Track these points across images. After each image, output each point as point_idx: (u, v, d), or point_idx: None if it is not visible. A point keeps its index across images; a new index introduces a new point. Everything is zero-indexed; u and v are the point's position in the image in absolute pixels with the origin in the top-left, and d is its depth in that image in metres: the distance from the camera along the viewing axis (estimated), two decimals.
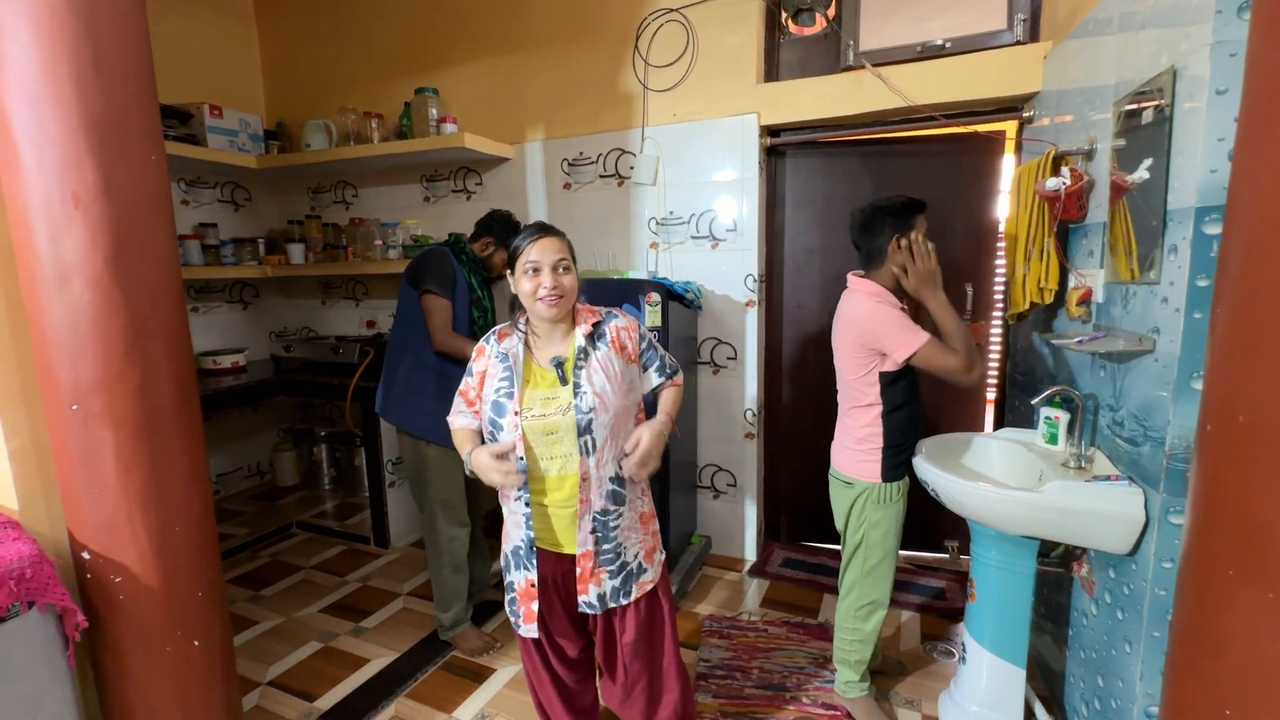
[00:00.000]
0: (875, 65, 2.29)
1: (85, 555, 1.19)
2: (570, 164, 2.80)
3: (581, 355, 1.26)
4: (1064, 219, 1.69)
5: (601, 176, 2.75)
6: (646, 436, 1.27)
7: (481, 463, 1.23)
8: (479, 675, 1.99)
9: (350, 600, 2.46)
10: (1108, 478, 1.39)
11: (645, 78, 2.62)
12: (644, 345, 1.37)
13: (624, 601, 1.31)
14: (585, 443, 1.23)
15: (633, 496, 1.32)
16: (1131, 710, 1.34)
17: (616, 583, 1.30)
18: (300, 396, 3.57)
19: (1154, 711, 1.31)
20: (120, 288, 1.14)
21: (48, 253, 1.10)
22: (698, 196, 2.60)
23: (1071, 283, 1.70)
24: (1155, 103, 1.30)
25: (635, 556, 1.32)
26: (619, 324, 1.33)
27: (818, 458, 2.81)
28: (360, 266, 3.14)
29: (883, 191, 2.60)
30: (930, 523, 2.71)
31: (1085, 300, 1.62)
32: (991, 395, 2.62)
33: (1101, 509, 1.33)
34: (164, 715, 1.26)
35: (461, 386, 1.37)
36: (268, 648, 2.15)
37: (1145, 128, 1.36)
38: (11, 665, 1.07)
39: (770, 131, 2.56)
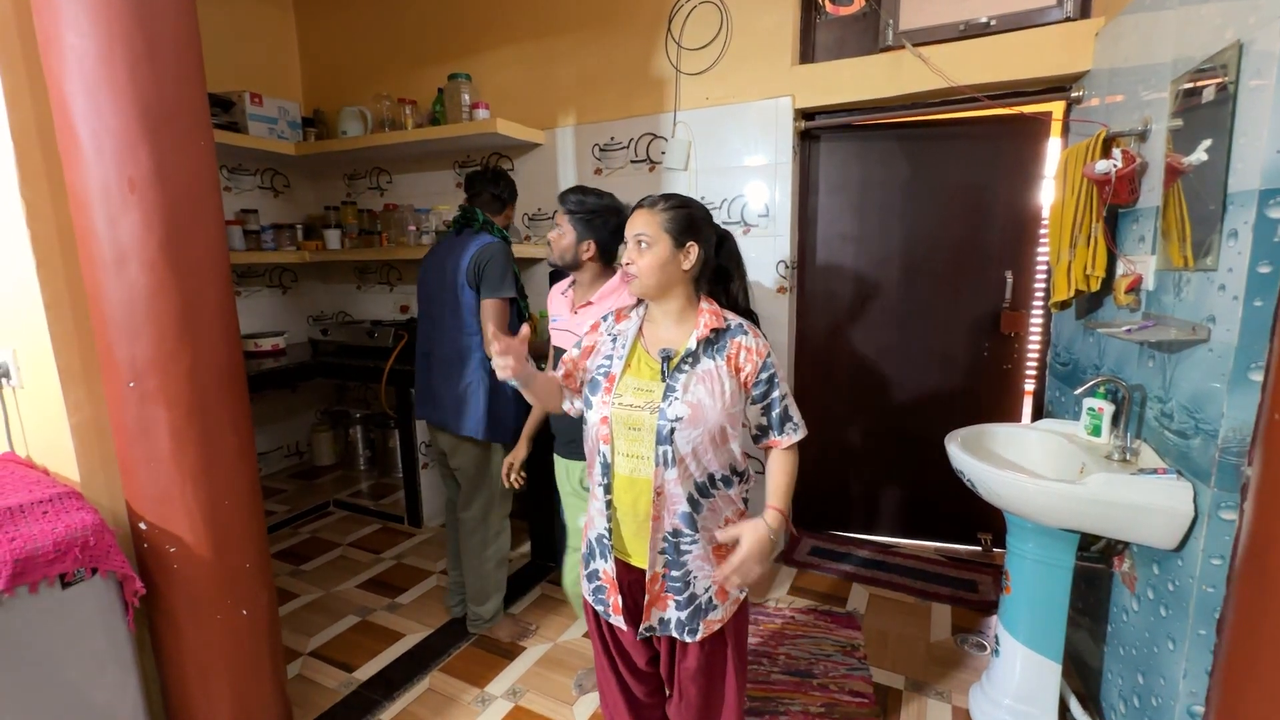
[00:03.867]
0: (916, 45, 2.23)
1: (142, 526, 1.25)
2: (601, 149, 2.79)
3: (689, 359, 1.13)
4: (1113, 203, 1.63)
5: (633, 162, 2.74)
6: (747, 541, 1.10)
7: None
8: (510, 653, 2.04)
9: (385, 577, 2.54)
10: (1154, 471, 1.35)
11: (678, 61, 2.59)
12: (763, 376, 1.16)
13: (689, 639, 1.19)
14: (664, 453, 1.10)
15: (713, 525, 1.17)
16: (1174, 708, 1.31)
17: (683, 615, 1.17)
18: (337, 379, 3.67)
19: (1198, 710, 1.28)
20: (173, 271, 1.18)
21: (106, 236, 1.14)
22: (730, 181, 2.57)
23: (1120, 270, 1.65)
24: (1217, 80, 1.24)
25: (705, 590, 1.18)
26: (744, 342, 1.16)
27: (848, 447, 2.80)
28: (394, 252, 3.19)
29: (920, 176, 2.55)
30: (962, 515, 2.67)
31: (1134, 288, 1.56)
32: (1030, 386, 2.55)
33: (1148, 503, 1.29)
34: (215, 680, 1.32)
35: (566, 355, 1.28)
36: (308, 620, 2.23)
37: (1205, 107, 1.30)
38: (77, 627, 1.13)
39: (805, 115, 2.51)
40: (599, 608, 1.25)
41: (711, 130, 2.57)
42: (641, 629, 1.20)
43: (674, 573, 1.17)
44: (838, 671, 1.92)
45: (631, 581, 1.21)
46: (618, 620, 1.21)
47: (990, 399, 2.55)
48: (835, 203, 2.64)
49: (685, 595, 1.17)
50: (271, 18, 3.46)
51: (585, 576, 1.26)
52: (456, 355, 1.94)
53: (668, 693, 1.35)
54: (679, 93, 2.60)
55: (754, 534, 1.11)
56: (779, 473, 1.23)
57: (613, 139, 2.76)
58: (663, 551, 1.16)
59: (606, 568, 1.21)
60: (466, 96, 2.86)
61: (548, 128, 2.90)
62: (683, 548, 1.16)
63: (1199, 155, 1.36)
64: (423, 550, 2.77)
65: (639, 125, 2.69)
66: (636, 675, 1.32)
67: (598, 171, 2.82)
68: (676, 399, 1.11)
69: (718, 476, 1.17)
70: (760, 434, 1.23)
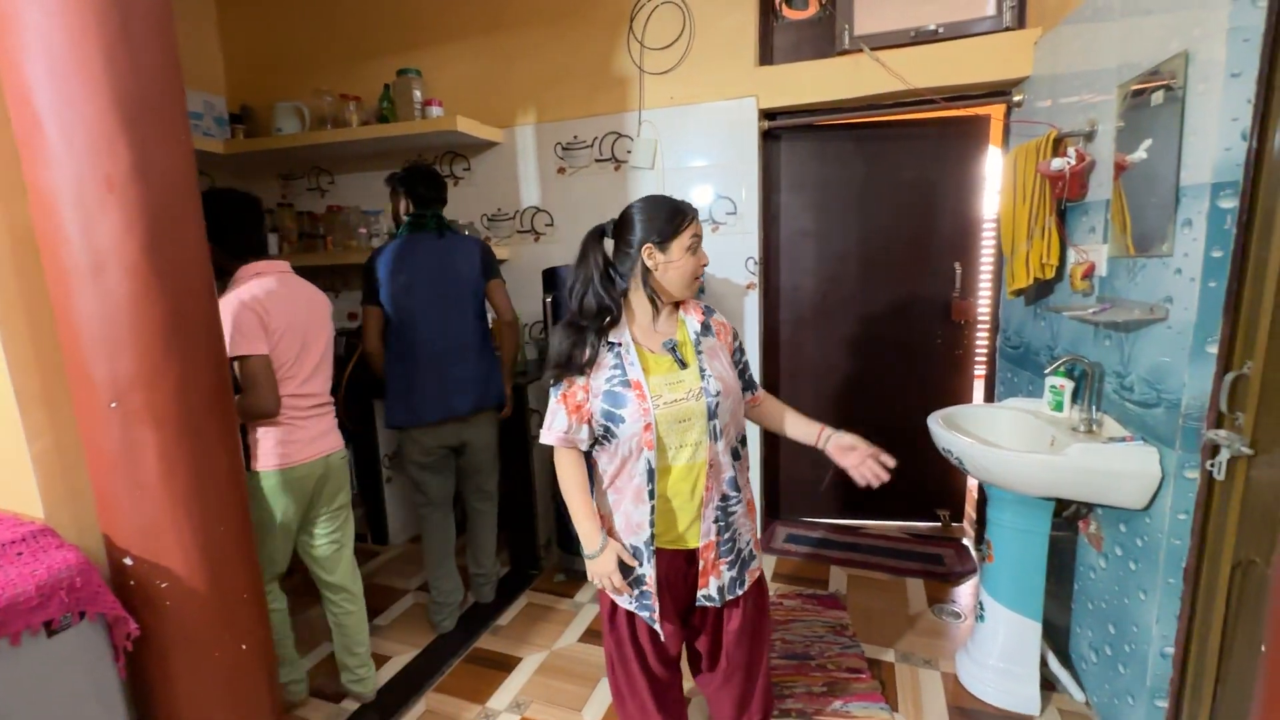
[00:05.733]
0: (871, 50, 2.34)
1: (127, 561, 1.12)
2: (564, 148, 2.75)
3: (698, 340, 1.26)
4: (1067, 198, 1.78)
5: (597, 160, 2.72)
6: (860, 442, 1.32)
7: (606, 566, 1.20)
8: (506, 665, 1.98)
9: None
10: (1123, 439, 1.49)
11: (641, 60, 2.60)
12: (737, 345, 1.37)
13: (739, 592, 1.29)
14: (715, 427, 1.20)
15: (743, 484, 1.30)
16: (1148, 652, 1.45)
17: (734, 573, 1.28)
18: None
19: (1169, 652, 1.42)
20: (158, 276, 1.07)
21: (79, 241, 1.02)
22: (697, 180, 2.61)
23: (1072, 258, 1.80)
24: (1165, 84, 1.38)
25: (747, 545, 1.31)
26: (719, 319, 1.34)
27: None
28: (342, 256, 3.02)
29: (874, 174, 2.68)
30: (921, 494, 2.83)
31: (1089, 274, 1.72)
32: (980, 371, 2.74)
33: (1122, 468, 1.43)
34: None
35: (564, 389, 1.23)
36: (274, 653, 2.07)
37: (1151, 109, 1.44)
38: (63, 679, 1.00)
39: (767, 115, 2.58)
40: (644, 613, 1.26)
41: (677, 129, 2.60)
42: (699, 596, 1.27)
43: (725, 536, 1.26)
44: (832, 651, 1.99)
45: (679, 570, 1.27)
46: (661, 626, 1.25)
47: (944, 383, 2.72)
48: (796, 200, 2.73)
49: (733, 555, 1.28)
50: (184, 3, 3.18)
51: (629, 583, 1.26)
52: (476, 340, 2.10)
53: (701, 669, 1.39)
54: (643, 92, 2.61)
55: (855, 437, 1.34)
56: (788, 410, 1.45)
57: (576, 137, 2.73)
58: (716, 520, 1.25)
59: (651, 573, 1.24)
60: (418, 93, 2.75)
61: (506, 126, 2.83)
62: (730, 509, 1.27)
63: (1139, 154, 1.51)
64: (393, 568, 2.64)
65: (603, 124, 2.68)
66: (665, 662, 1.36)
67: (561, 171, 2.78)
68: (710, 376, 1.22)
69: (740, 437, 1.31)
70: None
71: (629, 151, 2.65)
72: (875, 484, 1.27)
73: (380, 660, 2.01)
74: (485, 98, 2.84)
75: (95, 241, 1.02)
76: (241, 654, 1.23)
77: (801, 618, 2.18)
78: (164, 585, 1.13)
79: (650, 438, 1.17)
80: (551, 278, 2.29)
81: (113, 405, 1.06)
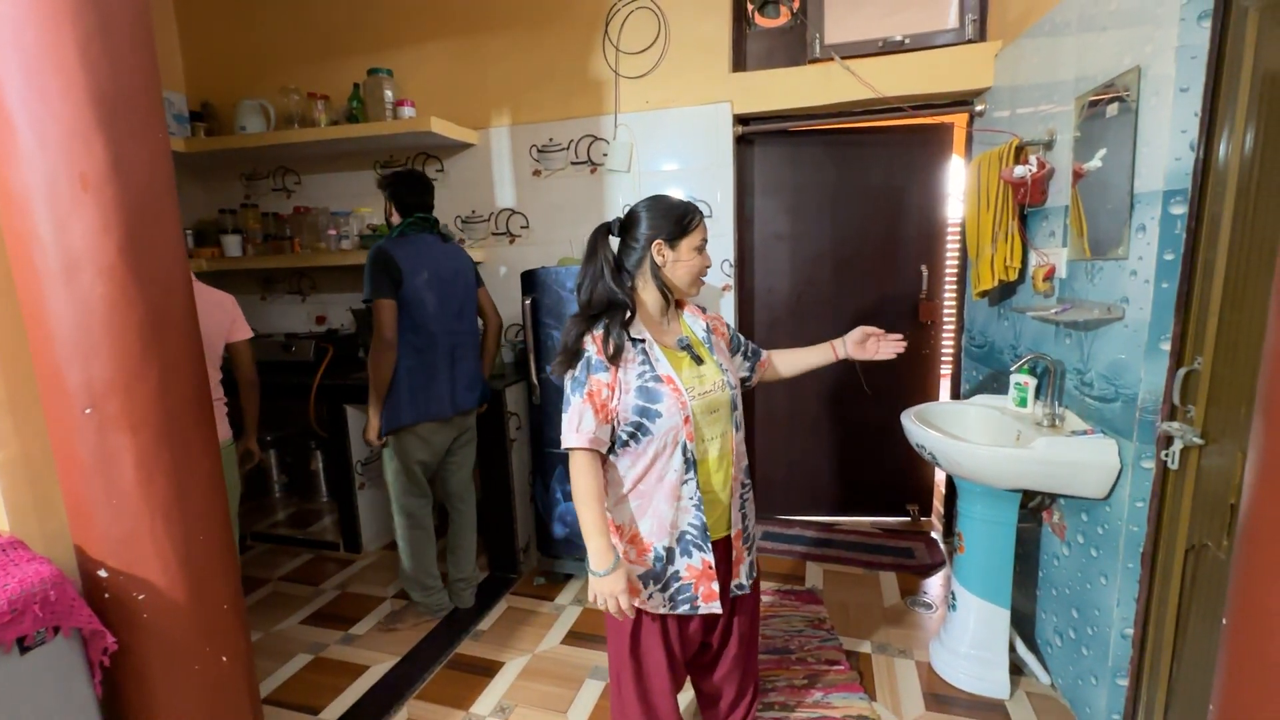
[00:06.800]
0: (840, 59, 2.41)
1: (102, 573, 1.08)
2: (540, 150, 2.75)
3: (707, 338, 1.33)
4: (1028, 204, 1.87)
5: (573, 163, 2.73)
6: (859, 330, 1.50)
7: (615, 586, 1.14)
8: (489, 670, 1.97)
9: (332, 609, 2.34)
10: (1084, 432, 1.57)
11: (617, 64, 2.61)
12: (732, 331, 1.46)
13: (755, 576, 1.37)
14: (737, 418, 1.28)
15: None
16: (1109, 634, 1.53)
17: (751, 558, 1.35)
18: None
19: (1129, 633, 1.50)
20: (135, 278, 1.04)
21: (52, 241, 0.98)
22: (673, 183, 2.64)
23: (1034, 261, 1.89)
24: (1120, 97, 1.47)
25: (755, 528, 1.39)
26: (711, 316, 1.41)
27: (788, 436, 2.96)
28: (310, 259, 2.96)
29: (845, 179, 2.75)
30: (891, 490, 2.92)
31: (1050, 276, 1.80)
32: (946, 370, 2.84)
33: (1085, 459, 1.50)
34: None
35: (590, 387, 1.16)
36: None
37: (1106, 120, 1.53)
38: (36, 699, 0.96)
39: (740, 120, 2.63)
40: (683, 608, 1.24)
41: (653, 133, 2.62)
42: (733, 587, 1.31)
43: (746, 523, 1.33)
44: (811, 644, 2.04)
45: (717, 560, 1.27)
46: (711, 606, 1.24)
47: (912, 382, 2.81)
48: (770, 204, 2.79)
49: (749, 540, 1.35)
50: None
51: (659, 588, 1.24)
52: (477, 339, 2.20)
53: (707, 660, 1.40)
54: (619, 95, 2.63)
55: (859, 329, 1.53)
56: (793, 351, 1.56)
57: (551, 140, 2.73)
58: (741, 508, 1.31)
59: (692, 562, 1.23)
60: (389, 93, 2.72)
61: (480, 127, 2.81)
62: (745, 496, 1.33)
63: (1095, 162, 1.60)
64: (368, 576, 2.59)
65: (579, 127, 2.69)
66: (687, 652, 1.34)
67: (536, 173, 2.78)
68: (726, 369, 1.29)
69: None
70: (752, 368, 1.50)
71: (605, 154, 2.66)
72: (895, 356, 1.50)
73: (357, 671, 1.97)
74: (459, 99, 2.81)
75: (69, 242, 0.99)
76: (223, 666, 1.20)
77: (780, 613, 2.22)
78: (141, 597, 1.09)
79: (690, 429, 1.18)
80: (531, 280, 2.29)
81: (87, 411, 1.03)
